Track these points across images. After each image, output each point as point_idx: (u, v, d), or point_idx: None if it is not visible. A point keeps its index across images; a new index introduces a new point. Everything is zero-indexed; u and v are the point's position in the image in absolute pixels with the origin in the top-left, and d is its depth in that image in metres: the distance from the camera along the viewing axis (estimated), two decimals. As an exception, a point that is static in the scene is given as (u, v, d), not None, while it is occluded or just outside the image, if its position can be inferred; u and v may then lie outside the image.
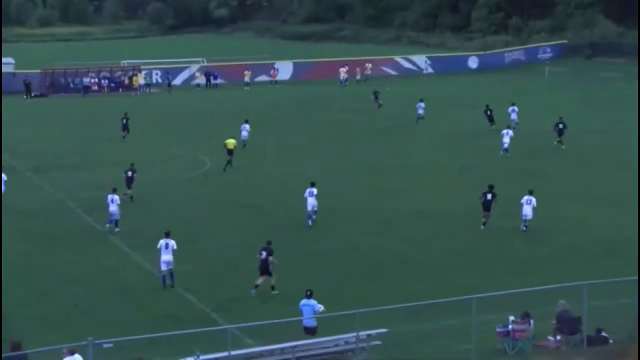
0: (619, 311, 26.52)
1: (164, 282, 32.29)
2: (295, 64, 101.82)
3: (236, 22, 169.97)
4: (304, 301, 26.38)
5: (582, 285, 25.32)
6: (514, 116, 64.25)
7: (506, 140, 54.70)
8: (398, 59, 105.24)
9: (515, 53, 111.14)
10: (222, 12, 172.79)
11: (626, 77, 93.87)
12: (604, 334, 25.42)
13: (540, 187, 45.91)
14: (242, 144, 57.02)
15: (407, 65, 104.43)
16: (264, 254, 31.58)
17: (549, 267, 33.31)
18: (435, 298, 26.43)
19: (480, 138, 60.88)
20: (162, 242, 32.42)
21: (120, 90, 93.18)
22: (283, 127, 66.24)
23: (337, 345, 24.66)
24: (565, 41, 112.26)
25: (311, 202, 40.18)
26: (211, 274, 33.67)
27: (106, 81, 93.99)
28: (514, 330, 25.28)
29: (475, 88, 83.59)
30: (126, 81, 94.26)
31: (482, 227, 38.85)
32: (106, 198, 39.75)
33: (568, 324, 25.30)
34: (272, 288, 31.41)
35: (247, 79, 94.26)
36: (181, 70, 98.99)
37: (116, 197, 39.38)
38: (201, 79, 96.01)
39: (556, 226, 39.17)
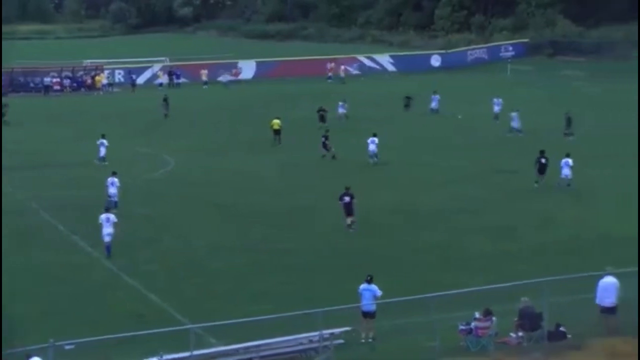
0: (577, 307, 26.79)
1: (108, 251, 34.97)
2: (258, 63, 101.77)
3: (200, 21, 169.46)
4: (364, 286, 26.65)
5: (542, 282, 25.58)
6: (497, 109, 66.44)
7: (515, 123, 59.91)
8: (361, 57, 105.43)
9: (478, 51, 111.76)
10: (186, 11, 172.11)
11: (587, 75, 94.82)
12: (562, 329, 25.68)
13: (508, 183, 46.48)
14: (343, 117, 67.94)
15: (369, 64, 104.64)
16: (347, 198, 37.92)
17: (515, 264, 33.47)
18: (404, 294, 26.46)
19: (449, 137, 61.19)
20: (103, 216, 35.36)
21: (83, 89, 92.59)
22: (248, 125, 66.21)
23: (300, 344, 24.68)
24: (527, 40, 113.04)
25: (372, 148, 51.99)
26: (176, 273, 33.54)
27: (68, 81, 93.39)
28: (476, 327, 25.42)
29: (439, 86, 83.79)
30: (88, 81, 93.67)
31: (535, 185, 45.48)
32: (106, 180, 41.72)
33: (529, 320, 25.49)
34: (351, 224, 37.92)
35: (204, 77, 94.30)
36: (144, 69, 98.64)
37: (115, 179, 41.45)
38: (164, 78, 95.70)
39: (523, 223, 39.46)
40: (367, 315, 26.30)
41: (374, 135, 52.70)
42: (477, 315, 25.62)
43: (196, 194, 45.69)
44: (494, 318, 25.49)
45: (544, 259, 34.14)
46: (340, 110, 68.82)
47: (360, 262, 33.91)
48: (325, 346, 24.43)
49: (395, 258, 34.72)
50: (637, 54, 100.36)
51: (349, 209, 38.09)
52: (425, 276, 32.06)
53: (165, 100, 72.26)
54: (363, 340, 26.12)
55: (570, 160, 44.89)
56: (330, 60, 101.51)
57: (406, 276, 32.15)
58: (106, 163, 52.01)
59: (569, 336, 25.58)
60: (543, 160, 45.73)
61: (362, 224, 39.38)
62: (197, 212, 42.34)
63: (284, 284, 32.07)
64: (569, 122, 58.55)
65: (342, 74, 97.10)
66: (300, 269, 33.66)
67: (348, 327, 25.08)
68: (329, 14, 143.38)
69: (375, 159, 52.07)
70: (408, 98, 73.53)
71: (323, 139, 54.55)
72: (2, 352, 22.30)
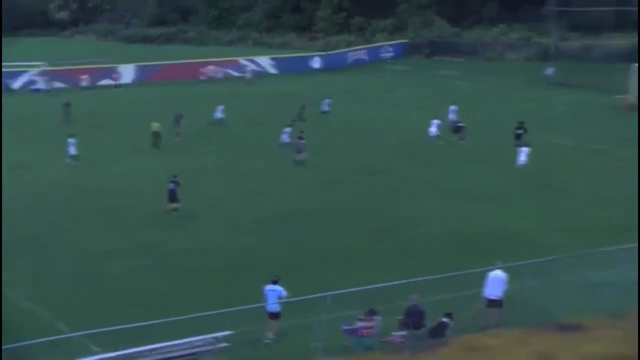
0: (465, 302, 27.30)
1: None
2: (138, 67, 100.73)
3: (77, 25, 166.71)
4: (269, 287, 26.80)
5: (428, 280, 26.00)
6: (452, 116, 64.43)
7: (433, 129, 58.68)
8: (242, 60, 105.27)
9: (358, 52, 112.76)
10: (63, 15, 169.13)
11: (464, 75, 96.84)
12: (444, 319, 25.98)
13: (390, 183, 46.99)
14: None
15: (251, 66, 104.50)
16: (172, 185, 40.96)
17: (401, 262, 33.90)
18: (291, 295, 26.70)
19: (336, 138, 61.46)
20: None
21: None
22: (129, 130, 65.42)
23: (183, 348, 24.51)
24: (406, 40, 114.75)
25: (284, 137, 55.63)
26: (58, 280, 32.91)
27: None
28: (360, 327, 25.62)
29: (319, 88, 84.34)
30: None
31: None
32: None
33: (413, 319, 25.79)
34: (176, 210, 40.81)
35: (84, 82, 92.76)
36: (20, 74, 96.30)
37: None
38: (41, 84, 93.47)
39: (408, 221, 39.96)
40: (273, 316, 26.66)
41: (288, 126, 56.30)
42: (359, 315, 25.85)
43: (82, 200, 44.79)
44: (378, 317, 25.73)
45: (430, 256, 34.68)
46: (218, 115, 68.06)
47: (250, 263, 34.02)
48: (210, 350, 24.34)
49: (279, 259, 34.76)
50: (508, 55, 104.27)
51: (173, 196, 41.08)
52: (309, 276, 32.18)
53: (66, 105, 70.78)
54: (268, 341, 26.40)
55: (528, 149, 49.90)
56: (210, 63, 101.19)
57: (291, 277, 32.16)
58: (77, 161, 53.65)
59: (450, 325, 25.92)
60: (520, 131, 54.01)
61: (254, 227, 39.63)
62: (85, 218, 41.54)
63: (172, 287, 31.84)
64: (457, 129, 58.90)
65: (249, 76, 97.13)
66: (190, 272, 33.46)
67: (231, 331, 24.94)
68: (208, 17, 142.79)
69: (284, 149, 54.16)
70: (303, 107, 67.16)
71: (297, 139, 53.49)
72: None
